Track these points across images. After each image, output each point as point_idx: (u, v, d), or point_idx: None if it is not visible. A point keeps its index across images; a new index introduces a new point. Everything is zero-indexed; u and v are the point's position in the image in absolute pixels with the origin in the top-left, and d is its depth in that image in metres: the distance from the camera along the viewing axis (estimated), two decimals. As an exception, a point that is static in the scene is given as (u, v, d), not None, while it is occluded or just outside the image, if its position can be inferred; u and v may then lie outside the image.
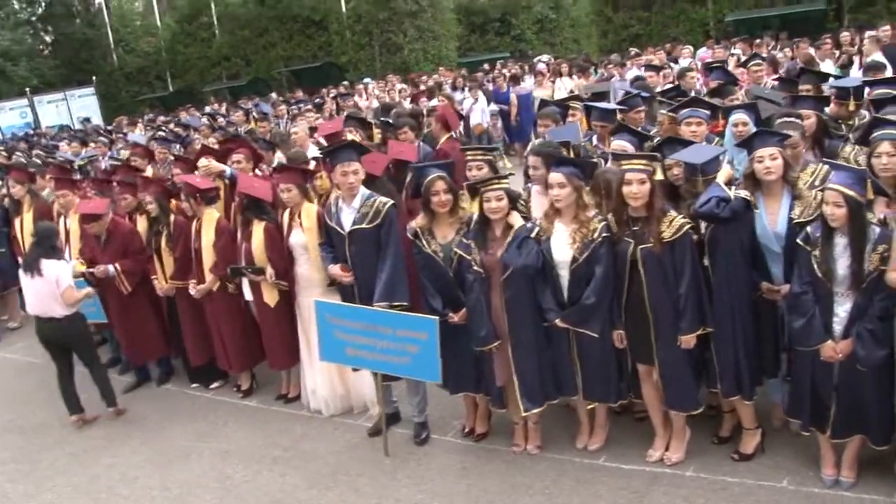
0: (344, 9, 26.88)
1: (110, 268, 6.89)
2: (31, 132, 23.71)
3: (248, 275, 6.24)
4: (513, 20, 33.56)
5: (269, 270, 6.13)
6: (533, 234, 4.98)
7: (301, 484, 5.41)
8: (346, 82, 22.94)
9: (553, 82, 17.02)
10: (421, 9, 26.02)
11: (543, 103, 7.44)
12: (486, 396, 5.48)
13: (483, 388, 5.40)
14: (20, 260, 8.54)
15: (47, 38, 31.91)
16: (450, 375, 5.35)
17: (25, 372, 8.46)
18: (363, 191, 5.48)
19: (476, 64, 24.72)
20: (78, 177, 9.58)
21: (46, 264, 6.30)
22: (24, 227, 8.49)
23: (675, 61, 15.72)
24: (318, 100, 16.47)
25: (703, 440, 5.14)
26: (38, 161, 12.48)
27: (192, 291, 6.66)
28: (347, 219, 5.45)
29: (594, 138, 7.15)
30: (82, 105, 27.66)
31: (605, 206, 5.02)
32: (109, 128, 20.96)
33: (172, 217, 6.87)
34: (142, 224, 7.31)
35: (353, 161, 5.38)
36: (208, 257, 6.58)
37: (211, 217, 6.64)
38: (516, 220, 5.05)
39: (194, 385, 7.30)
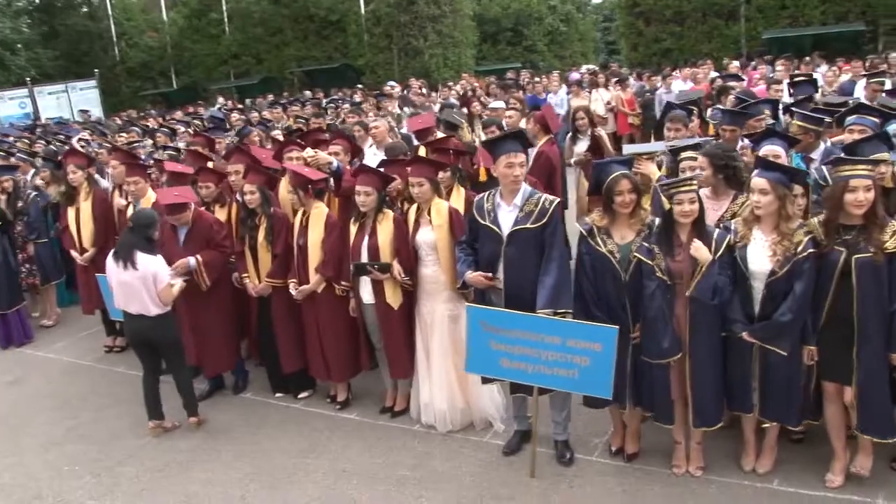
0: (363, 10, 26.42)
1: (191, 260, 6.28)
2: (32, 122, 22.99)
3: (373, 272, 5.66)
4: (525, 31, 33.62)
5: (397, 267, 5.61)
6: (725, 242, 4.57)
7: (442, 508, 4.89)
8: (360, 85, 22.58)
9: (590, 93, 16.84)
10: (442, 13, 25.65)
11: (670, 106, 7.02)
12: (644, 412, 5.04)
13: (645, 402, 4.95)
14: (72, 253, 8.02)
15: (45, 29, 30.95)
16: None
17: (73, 373, 7.85)
18: (525, 187, 4.99)
19: (490, 73, 24.47)
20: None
21: (142, 259, 5.73)
22: (81, 217, 7.92)
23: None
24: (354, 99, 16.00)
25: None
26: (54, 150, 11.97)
27: (293, 292, 6.11)
28: (507, 217, 4.94)
29: (720, 144, 6.83)
30: (84, 98, 26.85)
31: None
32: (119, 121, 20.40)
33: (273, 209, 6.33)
34: (220, 216, 6.80)
35: (519, 152, 4.88)
36: (315, 255, 6.03)
37: (320, 212, 6.09)
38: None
39: (278, 394, 6.74)
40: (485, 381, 5.40)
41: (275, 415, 6.42)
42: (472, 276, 5.02)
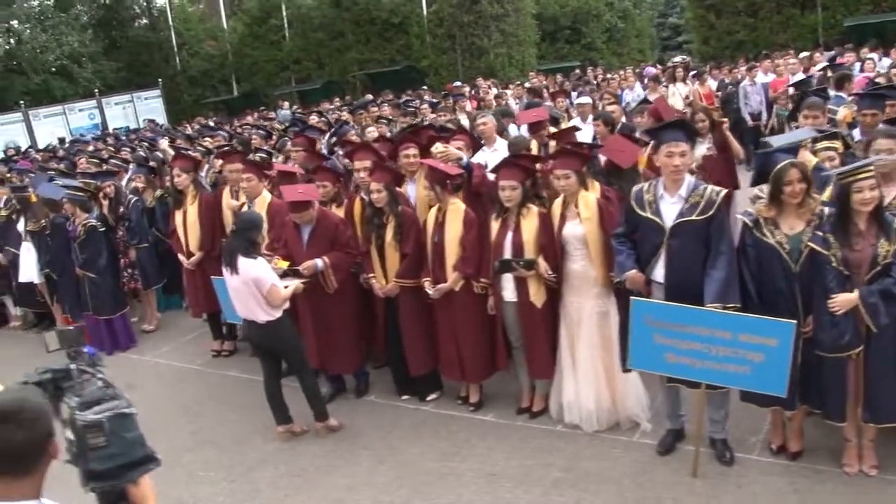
0: (425, 12, 26.46)
1: (318, 262, 6.18)
2: (101, 132, 23.54)
3: (518, 269, 5.55)
4: (583, 29, 33.41)
5: (543, 263, 5.50)
6: None
7: (610, 512, 4.76)
8: (424, 87, 22.61)
9: (667, 87, 16.57)
10: (505, 12, 25.58)
11: (804, 94, 6.82)
12: (811, 409, 4.86)
13: (813, 399, 4.75)
14: (180, 257, 8.08)
15: (106, 41, 31.69)
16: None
17: (185, 378, 7.91)
18: (689, 178, 4.84)
19: (550, 71, 24.27)
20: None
21: (243, 263, 5.58)
22: (188, 220, 7.95)
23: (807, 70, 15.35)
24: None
25: None
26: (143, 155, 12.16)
27: (429, 291, 6.03)
28: (670, 209, 4.77)
29: (856, 131, 6.61)
30: (148, 107, 27.47)
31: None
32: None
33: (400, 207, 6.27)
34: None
35: (681, 141, 4.73)
36: (452, 252, 5.94)
37: (457, 208, 5.99)
38: None
39: (405, 397, 6.66)
40: (624, 370, 5.25)
41: (406, 418, 6.34)
42: (634, 275, 4.88)
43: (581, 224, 5.38)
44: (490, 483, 5.19)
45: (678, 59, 20.31)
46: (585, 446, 5.46)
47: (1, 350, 9.43)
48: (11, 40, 25.90)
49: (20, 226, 9.64)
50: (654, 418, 5.59)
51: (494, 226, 5.77)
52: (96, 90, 27.33)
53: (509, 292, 5.73)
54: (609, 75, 19.04)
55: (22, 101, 25.41)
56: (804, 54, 16.58)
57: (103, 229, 8.79)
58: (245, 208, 7.25)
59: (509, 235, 5.67)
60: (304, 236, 6.32)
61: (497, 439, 5.75)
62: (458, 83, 21.00)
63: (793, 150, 4.80)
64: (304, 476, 5.63)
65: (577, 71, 22.15)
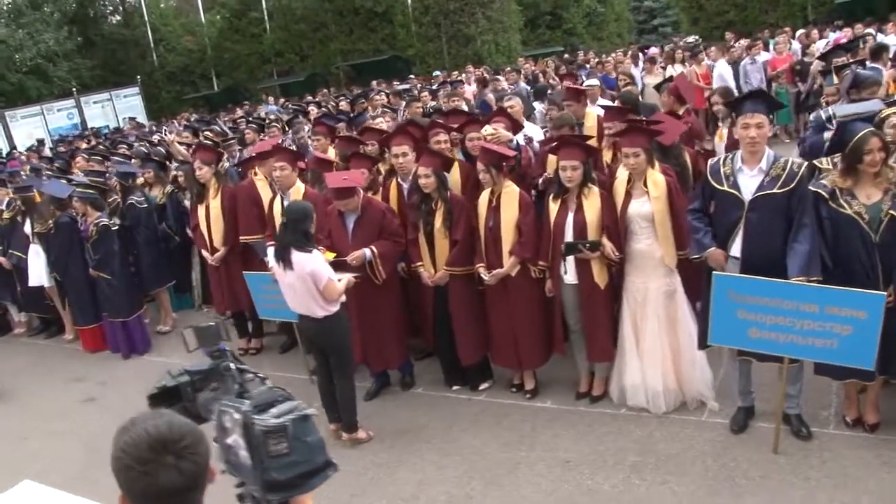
0: (410, 0, 26.22)
1: (367, 252, 6.03)
2: (81, 132, 23.06)
3: (584, 251, 5.45)
4: (564, 14, 33.41)
5: (608, 244, 5.40)
6: None
7: (698, 491, 4.64)
8: (412, 76, 22.43)
9: (664, 69, 16.57)
10: (491, -1, 25.49)
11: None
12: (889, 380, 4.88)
13: (892, 369, 4.72)
14: (203, 253, 7.87)
15: (80, 39, 31.03)
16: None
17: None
18: (768, 151, 4.75)
19: (534, 57, 24.15)
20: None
21: (298, 257, 5.35)
22: (211, 215, 7.73)
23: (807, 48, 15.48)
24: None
25: None
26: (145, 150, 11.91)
27: (485, 277, 5.90)
28: (749, 182, 4.69)
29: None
30: (127, 105, 26.99)
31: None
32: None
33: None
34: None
35: (758, 112, 4.64)
36: (508, 237, 5.82)
37: (512, 191, 5.86)
38: None
39: (455, 387, 6.53)
40: (703, 347, 5.17)
41: (462, 409, 6.21)
42: (715, 252, 4.80)
43: (649, 202, 5.28)
44: (565, 471, 5.09)
45: (690, 39, 20.21)
46: (656, 428, 5.38)
47: (8, 360, 9.13)
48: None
49: (27, 228, 9.34)
50: (717, 397, 5.53)
51: (553, 207, 5.65)
52: (74, 89, 26.76)
53: (570, 274, 5.62)
54: (605, 58, 18.95)
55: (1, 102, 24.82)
56: (801, 31, 16.66)
57: (115, 228, 8.57)
58: (278, 201, 7.07)
59: (570, 217, 5.57)
60: (348, 226, 6.16)
61: (562, 426, 5.65)
62: (438, 73, 20.83)
63: (870, 119, 4.74)
64: (369, 474, 5.48)
65: (567, 55, 22.10)
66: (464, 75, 18.05)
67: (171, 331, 9.28)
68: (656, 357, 5.44)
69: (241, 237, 7.52)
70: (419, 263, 6.25)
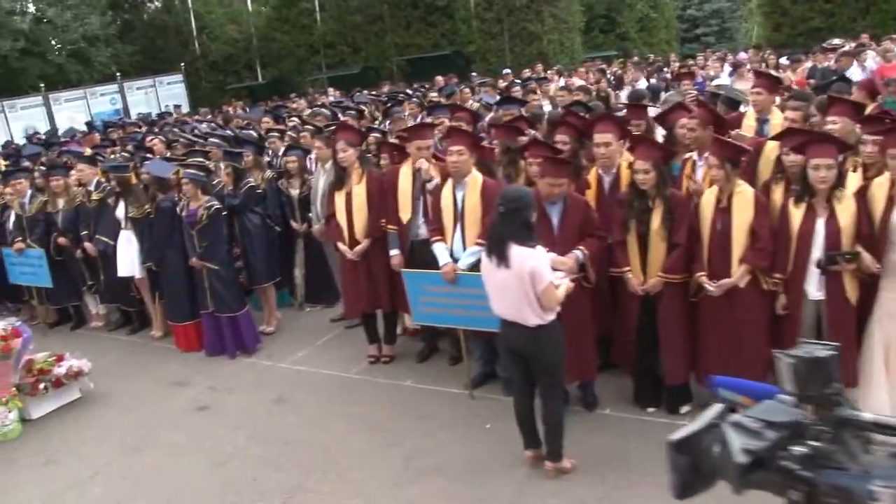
0: (473, -5, 25.48)
1: (578, 254, 5.26)
2: (120, 119, 22.28)
3: (842, 263, 4.65)
4: (617, 18, 32.70)
5: (867, 255, 4.64)
6: None
7: None
8: (474, 74, 21.65)
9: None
10: (556, -3, 24.67)
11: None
12: None
13: None
14: (340, 247, 7.01)
15: (119, 24, 30.35)
16: None
17: (349, 389, 6.84)
18: None
19: (590, 60, 23.39)
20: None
21: (517, 252, 4.54)
22: (354, 203, 6.87)
23: None
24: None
25: None
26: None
27: (709, 287, 5.08)
28: None
29: None
30: (170, 93, 26.27)
31: None
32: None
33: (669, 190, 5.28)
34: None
35: None
36: (740, 242, 5.02)
37: (745, 191, 5.06)
38: None
39: (651, 409, 5.70)
40: None
41: (665, 435, 5.33)
42: None
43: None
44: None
45: (836, 41, 19.38)
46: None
47: (92, 357, 8.11)
48: (27, 20, 24.45)
49: (119, 212, 8.51)
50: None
51: (796, 213, 4.89)
52: (118, 74, 26.03)
53: (814, 288, 4.86)
54: (690, 62, 18.14)
55: (42, 85, 24.06)
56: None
57: (225, 213, 7.76)
58: (449, 192, 6.23)
59: (820, 223, 4.80)
60: (553, 220, 5.33)
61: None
62: (508, 70, 20.03)
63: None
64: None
65: (637, 59, 21.30)
66: (548, 73, 17.24)
67: (275, 331, 8.45)
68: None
69: (388, 227, 6.67)
70: (627, 268, 5.40)
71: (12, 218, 9.33)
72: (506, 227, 4.60)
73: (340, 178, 6.91)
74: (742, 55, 18.54)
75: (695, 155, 5.89)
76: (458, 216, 5.92)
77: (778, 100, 7.17)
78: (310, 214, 8.45)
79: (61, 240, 9.05)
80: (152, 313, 8.88)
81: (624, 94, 13.39)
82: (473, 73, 21.68)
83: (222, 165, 8.76)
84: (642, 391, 5.75)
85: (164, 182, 8.08)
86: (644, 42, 34.52)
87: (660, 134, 6.74)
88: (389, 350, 7.26)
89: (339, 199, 6.91)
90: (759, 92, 6.84)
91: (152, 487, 5.54)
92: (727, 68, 16.77)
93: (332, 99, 19.66)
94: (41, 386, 6.93)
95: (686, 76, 12.55)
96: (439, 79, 18.32)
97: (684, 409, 5.59)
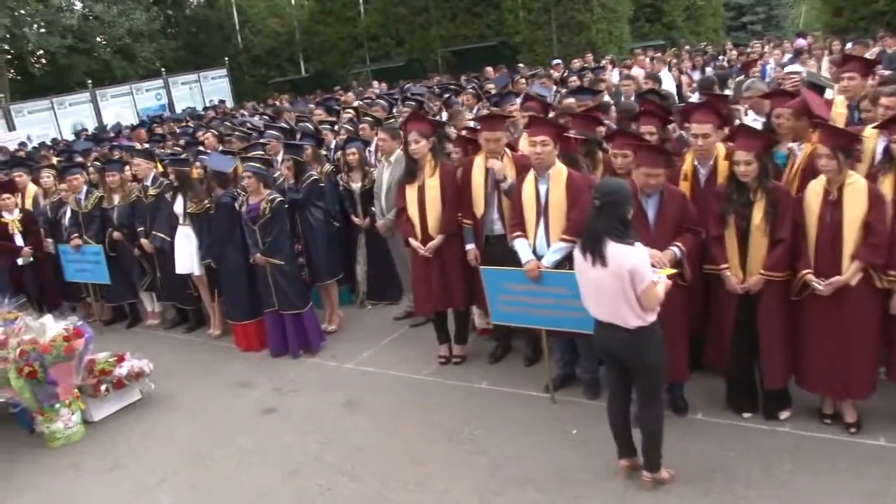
0: (520, -15, 25.04)
1: (675, 250, 4.96)
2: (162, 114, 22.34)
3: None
4: (664, 7, 32.06)
5: None
6: None
7: None
8: (521, 64, 21.27)
9: (818, 60, 15.28)
10: (605, -14, 24.15)
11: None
12: None
13: None
14: (412, 242, 6.72)
15: (162, 19, 30.48)
16: None
17: (422, 391, 6.57)
18: None
19: (640, 48, 22.87)
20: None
21: (614, 249, 4.25)
22: (427, 196, 6.54)
23: None
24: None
25: None
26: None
27: (818, 286, 4.74)
28: None
29: None
30: (215, 88, 26.32)
31: None
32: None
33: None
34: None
35: None
36: (851, 237, 4.70)
37: (859, 183, 4.72)
38: None
39: (746, 415, 5.36)
40: None
41: (767, 442, 5.05)
42: None
43: None
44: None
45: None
46: None
47: (150, 356, 7.95)
48: (75, 17, 24.60)
49: (177, 207, 8.34)
50: None
51: None
52: (162, 70, 26.12)
53: None
54: (749, 50, 17.55)
55: (90, 81, 24.21)
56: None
57: (287, 206, 7.54)
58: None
59: None
60: (649, 212, 5.01)
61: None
62: (558, 60, 19.62)
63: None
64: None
65: (687, 47, 20.82)
66: (603, 61, 16.84)
67: (336, 330, 8.22)
68: None
69: (464, 221, 6.39)
70: (724, 266, 5.06)
71: (68, 214, 9.22)
72: (602, 222, 4.30)
73: (412, 171, 6.62)
74: (801, 41, 17.95)
75: (794, 145, 5.53)
76: (542, 211, 5.61)
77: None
78: (371, 209, 8.22)
79: (116, 235, 8.93)
80: (210, 312, 8.71)
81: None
82: (521, 64, 21.29)
83: (280, 159, 8.59)
84: (737, 395, 5.43)
85: (223, 176, 7.89)
86: (691, 31, 33.89)
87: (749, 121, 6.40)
88: (461, 350, 6.99)
89: (411, 192, 6.63)
90: (852, 76, 6.46)
91: (223, 498, 5.33)
92: (787, 55, 16.32)
93: (377, 91, 19.47)
94: (102, 387, 6.78)
95: (753, 64, 12.16)
96: (489, 69, 17.99)
97: (783, 414, 5.30)
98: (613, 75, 16.07)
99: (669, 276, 4.56)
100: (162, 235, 8.54)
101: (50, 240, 9.42)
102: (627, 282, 4.24)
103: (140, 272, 9.09)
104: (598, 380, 5.94)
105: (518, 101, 8.68)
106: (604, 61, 17.10)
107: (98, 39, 26.46)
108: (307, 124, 10.79)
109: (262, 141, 9.37)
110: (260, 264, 7.43)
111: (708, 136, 5.31)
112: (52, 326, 6.64)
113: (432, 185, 6.52)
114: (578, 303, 5.22)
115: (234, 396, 6.97)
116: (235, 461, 5.80)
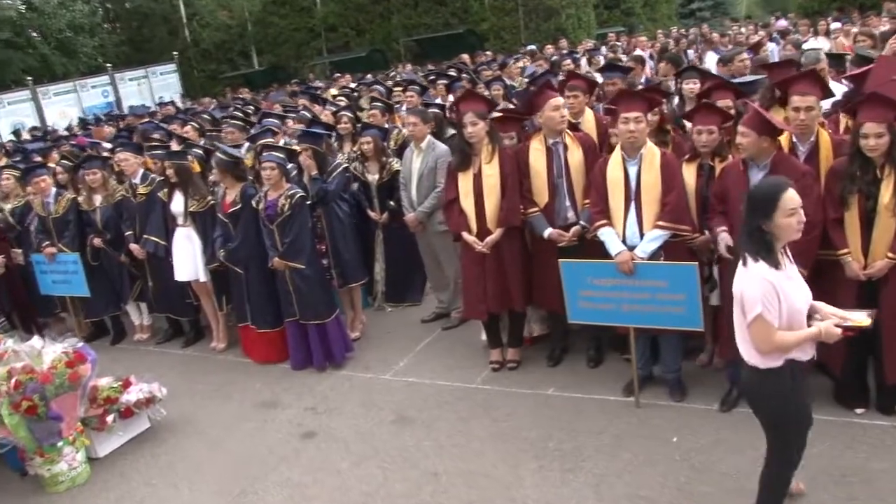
0: (485, -29, 24.50)
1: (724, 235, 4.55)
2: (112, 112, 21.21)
3: None
4: (622, -7, 32.05)
5: None
6: None
7: None
8: (488, 52, 20.78)
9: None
10: (573, -31, 23.78)
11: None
12: None
13: None
14: (465, 237, 6.10)
15: (101, 13, 29.11)
16: None
17: (482, 402, 5.94)
18: None
19: (598, 37, 22.68)
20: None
21: (740, 265, 3.55)
22: (484, 185, 5.91)
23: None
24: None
25: None
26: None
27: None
28: None
29: None
30: (164, 83, 25.15)
31: None
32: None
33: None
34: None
35: None
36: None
37: None
38: None
39: (859, 410, 4.95)
40: None
41: (891, 442, 4.63)
42: None
43: None
44: None
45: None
46: None
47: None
48: (17, 7, 23.18)
49: (175, 206, 7.52)
50: None
51: None
52: (108, 66, 24.82)
53: None
54: (730, 31, 17.41)
55: (30, 78, 22.82)
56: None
57: (309, 202, 6.84)
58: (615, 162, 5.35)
59: None
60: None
61: None
62: (533, 46, 19.18)
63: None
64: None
65: (680, 31, 20.71)
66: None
67: (361, 336, 7.54)
68: None
69: (529, 212, 5.81)
70: (844, 251, 4.59)
71: (35, 221, 8.32)
72: (743, 230, 3.60)
73: (467, 157, 5.99)
74: (781, 22, 17.91)
75: None
76: (633, 195, 5.04)
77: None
78: (390, 203, 7.58)
79: (97, 241, 8.04)
80: (213, 322, 7.93)
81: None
82: (487, 52, 20.78)
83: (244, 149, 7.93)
84: (848, 389, 5.01)
85: (238, 165, 7.10)
86: (648, 17, 34.02)
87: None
88: (515, 354, 6.41)
89: (465, 181, 6.00)
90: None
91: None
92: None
93: (352, 84, 18.76)
94: (109, 418, 5.94)
95: (760, 44, 11.96)
96: (465, 57, 17.41)
97: (859, 410, 4.94)
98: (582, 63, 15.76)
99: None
100: (155, 239, 7.73)
101: (19, 250, 8.52)
102: (738, 307, 3.58)
103: (129, 281, 8.24)
104: (681, 379, 5.46)
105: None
106: (580, 47, 16.66)
107: (34, 35, 24.98)
108: (305, 113, 10.05)
109: (272, 129, 8.62)
110: (279, 269, 6.70)
111: (811, 109, 4.82)
112: (47, 350, 5.79)
113: (491, 172, 5.91)
114: (680, 296, 4.74)
115: (262, 419, 6.24)
116: (284, 497, 5.09)
